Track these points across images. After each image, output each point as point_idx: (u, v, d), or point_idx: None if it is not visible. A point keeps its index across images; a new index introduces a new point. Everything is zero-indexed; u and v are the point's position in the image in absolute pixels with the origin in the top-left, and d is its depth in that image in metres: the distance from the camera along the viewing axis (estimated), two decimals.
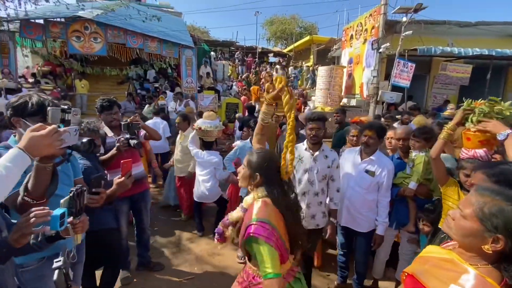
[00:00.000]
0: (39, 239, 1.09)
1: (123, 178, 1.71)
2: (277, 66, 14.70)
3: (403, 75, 6.97)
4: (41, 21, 8.56)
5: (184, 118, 3.89)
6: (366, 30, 8.95)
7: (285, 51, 21.15)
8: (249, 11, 58.83)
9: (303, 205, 2.31)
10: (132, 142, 2.42)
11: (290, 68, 15.48)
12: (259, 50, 19.61)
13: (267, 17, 29.31)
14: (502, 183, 1.22)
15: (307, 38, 16.97)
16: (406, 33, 6.41)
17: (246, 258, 1.46)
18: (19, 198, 1.15)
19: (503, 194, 0.88)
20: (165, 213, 4.26)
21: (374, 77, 7.76)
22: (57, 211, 1.02)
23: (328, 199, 2.43)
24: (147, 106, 7.42)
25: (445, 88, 9.02)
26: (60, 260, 0.79)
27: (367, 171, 2.32)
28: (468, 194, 0.97)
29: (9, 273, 1.07)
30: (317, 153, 2.31)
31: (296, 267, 1.47)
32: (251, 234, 1.27)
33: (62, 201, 1.09)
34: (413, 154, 2.38)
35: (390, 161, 2.43)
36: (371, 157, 2.32)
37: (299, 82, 14.02)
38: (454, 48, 7.18)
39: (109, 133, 2.63)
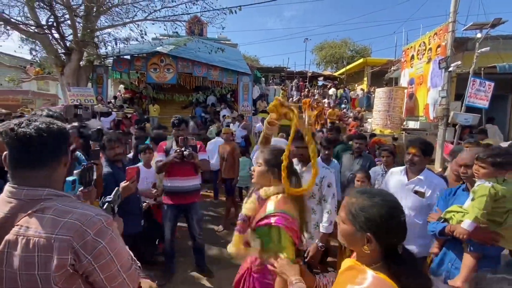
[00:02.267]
0: None
1: (127, 183, 1.97)
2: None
3: (479, 95, 6.30)
4: (128, 57, 10.28)
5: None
6: (430, 49, 8.50)
7: (336, 74, 21.05)
8: (299, 39, 60.90)
9: None
10: (185, 153, 2.75)
11: (332, 90, 15.27)
12: (309, 74, 19.93)
13: (316, 43, 29.82)
14: None
15: (360, 60, 16.72)
16: (483, 49, 5.89)
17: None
18: None
19: (367, 193, 0.91)
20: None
21: (442, 97, 7.17)
22: (70, 178, 1.27)
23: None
24: (210, 127, 8.10)
25: None
26: (111, 197, 1.04)
27: (416, 192, 2.15)
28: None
29: None
30: (304, 169, 2.28)
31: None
32: (273, 224, 1.33)
33: (75, 171, 1.33)
34: (476, 183, 1.76)
35: (442, 180, 2.20)
36: (419, 176, 2.17)
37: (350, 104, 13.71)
38: None
39: (174, 146, 2.99)
